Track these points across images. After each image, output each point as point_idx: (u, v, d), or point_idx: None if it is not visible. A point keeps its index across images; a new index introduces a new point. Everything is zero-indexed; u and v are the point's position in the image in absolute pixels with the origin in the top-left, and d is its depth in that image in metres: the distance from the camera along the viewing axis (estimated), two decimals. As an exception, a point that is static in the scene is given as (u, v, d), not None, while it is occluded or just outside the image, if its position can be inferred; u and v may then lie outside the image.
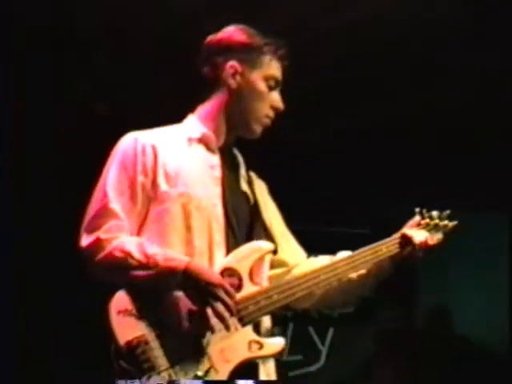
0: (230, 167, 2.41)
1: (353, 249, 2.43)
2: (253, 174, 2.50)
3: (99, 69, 3.98)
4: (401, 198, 4.86)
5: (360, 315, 5.37)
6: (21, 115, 4.19)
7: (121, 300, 2.14)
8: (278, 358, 2.29)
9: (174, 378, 2.10)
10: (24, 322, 4.47)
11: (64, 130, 4.24)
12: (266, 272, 2.38)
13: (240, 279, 2.22)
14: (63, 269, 3.83)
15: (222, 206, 2.30)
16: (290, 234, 2.55)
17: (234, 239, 2.28)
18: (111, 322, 2.12)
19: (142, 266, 2.15)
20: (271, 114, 2.37)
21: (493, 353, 5.15)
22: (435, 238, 2.48)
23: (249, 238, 2.31)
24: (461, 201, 4.79)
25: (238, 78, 2.36)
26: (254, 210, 2.38)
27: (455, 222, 2.54)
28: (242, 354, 2.17)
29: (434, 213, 2.52)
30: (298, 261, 2.50)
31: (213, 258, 2.24)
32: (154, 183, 2.26)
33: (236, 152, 2.48)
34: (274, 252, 2.36)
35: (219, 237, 2.26)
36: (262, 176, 2.51)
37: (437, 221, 2.51)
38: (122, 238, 2.21)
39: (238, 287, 2.20)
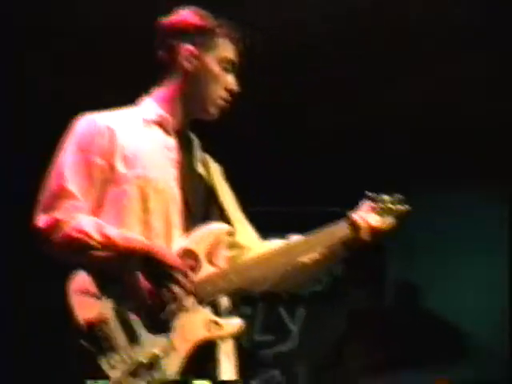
0: (186, 150, 2.42)
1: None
2: (208, 157, 2.51)
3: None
4: (375, 177, 4.92)
5: (331, 294, 5.42)
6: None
7: (81, 280, 2.17)
8: (237, 338, 2.32)
9: (132, 356, 2.12)
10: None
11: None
12: (223, 254, 2.40)
13: (198, 261, 2.24)
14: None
15: (179, 188, 2.32)
16: (245, 217, 2.56)
17: (191, 221, 2.30)
18: (71, 301, 2.14)
19: (100, 246, 2.17)
20: (226, 96, 2.39)
21: (461, 328, 5.22)
22: (387, 222, 2.48)
23: (206, 219, 2.32)
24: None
25: (193, 60, 2.37)
26: (210, 193, 2.40)
27: (407, 207, 2.54)
28: (200, 334, 2.20)
29: (386, 197, 2.51)
30: (252, 243, 2.52)
31: (170, 239, 2.26)
32: (111, 165, 2.28)
33: (192, 135, 2.49)
34: (232, 234, 2.39)
35: (176, 219, 2.28)
36: (223, 158, 2.53)
37: (389, 205, 2.50)
38: (80, 218, 2.22)
39: (196, 268, 2.23)
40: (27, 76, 4.09)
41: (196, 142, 2.49)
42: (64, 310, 2.14)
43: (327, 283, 5.43)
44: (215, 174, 2.49)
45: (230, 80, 2.40)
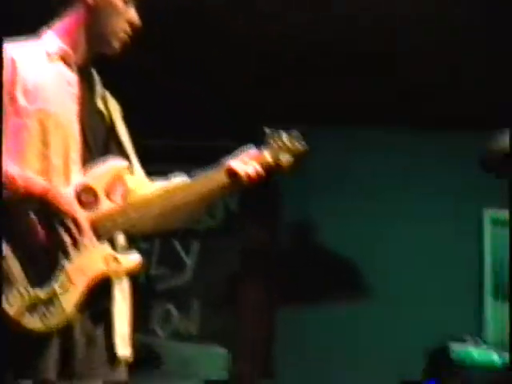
0: (87, 85, 2.40)
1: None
2: (108, 93, 2.49)
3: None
4: (274, 111, 4.96)
5: (225, 230, 5.47)
6: None
7: None
8: (134, 273, 2.34)
9: (31, 292, 2.14)
10: None
11: None
12: (122, 190, 2.39)
13: (96, 196, 2.26)
14: None
15: (79, 123, 2.31)
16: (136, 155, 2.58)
17: (90, 157, 2.30)
18: None
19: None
20: (128, 29, 2.39)
21: (357, 266, 5.36)
22: (284, 159, 2.51)
23: (105, 156, 2.33)
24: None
25: (94, -8, 2.36)
26: (110, 129, 2.40)
27: (304, 145, 2.56)
28: (98, 269, 2.22)
29: (283, 134, 2.53)
30: (140, 184, 2.52)
31: (69, 175, 2.26)
32: (12, 97, 2.24)
33: (93, 71, 2.46)
34: (130, 171, 2.39)
35: (75, 154, 2.27)
36: (117, 94, 2.51)
37: (286, 143, 2.52)
38: None
39: (94, 204, 2.25)
40: None
41: (97, 77, 2.47)
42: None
43: (222, 218, 5.47)
44: (114, 111, 2.47)
45: (132, 13, 2.39)
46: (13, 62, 2.27)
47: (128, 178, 2.42)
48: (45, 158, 2.24)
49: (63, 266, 2.18)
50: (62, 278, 2.17)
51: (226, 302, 5.32)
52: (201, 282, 5.41)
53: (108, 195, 2.29)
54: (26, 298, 2.13)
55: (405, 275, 5.27)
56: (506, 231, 5.18)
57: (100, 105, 2.43)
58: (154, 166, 2.56)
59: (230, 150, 2.49)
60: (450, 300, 5.16)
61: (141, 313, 2.46)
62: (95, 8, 2.36)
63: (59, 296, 2.15)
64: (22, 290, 2.13)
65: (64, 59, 2.35)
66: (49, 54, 2.34)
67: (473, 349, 4.24)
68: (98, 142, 2.34)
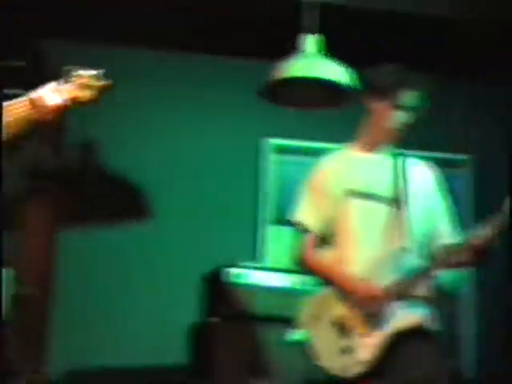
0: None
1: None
2: None
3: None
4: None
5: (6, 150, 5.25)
6: None
7: None
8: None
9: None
10: None
11: None
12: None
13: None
14: None
15: None
16: None
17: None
18: None
19: None
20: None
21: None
22: (87, 94, 2.59)
23: None
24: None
25: None
26: None
27: (109, 81, 2.63)
28: None
29: (83, 72, 2.60)
30: None
31: None
32: None
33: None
34: None
35: None
36: None
37: (88, 80, 2.59)
38: None
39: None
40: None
41: None
42: None
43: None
44: None
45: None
46: None
47: None
48: None
49: None
50: None
51: (10, 224, 5.15)
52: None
53: None
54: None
55: (187, 199, 5.26)
56: (289, 158, 5.37)
57: None
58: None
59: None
60: (230, 225, 5.22)
61: None
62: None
63: None
64: None
65: None
66: None
67: (249, 272, 4.33)
68: None
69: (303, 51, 3.99)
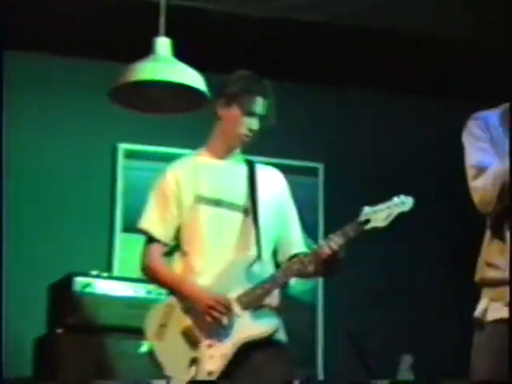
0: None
1: None
2: None
3: None
4: None
5: None
6: None
7: None
8: None
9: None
10: None
11: None
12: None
13: None
14: None
15: None
16: None
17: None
18: None
19: None
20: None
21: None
22: None
23: None
24: None
25: None
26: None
27: None
28: None
29: None
30: None
31: None
32: None
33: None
34: None
35: None
36: None
37: None
38: None
39: None
40: None
41: None
42: None
43: None
44: None
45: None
46: None
47: None
48: None
49: None
50: None
51: None
52: None
53: None
54: None
55: (39, 204, 5.13)
56: (140, 164, 5.32)
57: None
58: None
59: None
60: (82, 232, 5.12)
61: None
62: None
63: None
64: None
65: None
66: None
67: (97, 281, 4.27)
68: None
69: (155, 54, 3.94)
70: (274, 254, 3.25)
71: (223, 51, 4.91)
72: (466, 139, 2.72)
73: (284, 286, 3.14)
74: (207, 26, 4.85)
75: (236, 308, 3.04)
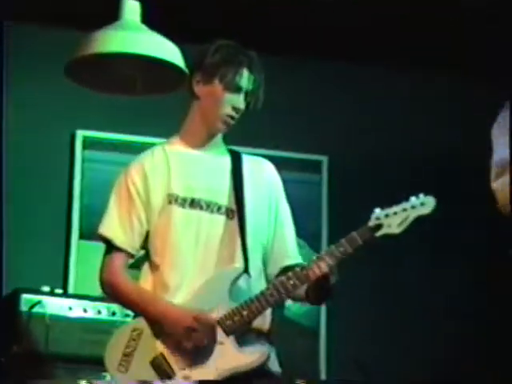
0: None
1: None
2: None
3: None
4: None
5: None
6: None
7: None
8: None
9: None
10: None
11: None
12: None
13: None
14: None
15: None
16: None
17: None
18: None
19: None
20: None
21: None
22: None
23: None
24: None
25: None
26: None
27: None
28: None
29: None
30: None
31: None
32: None
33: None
34: None
35: None
36: None
37: None
38: None
39: None
40: None
41: None
42: None
43: None
44: None
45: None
46: None
47: None
48: None
49: None
50: None
51: None
52: None
53: None
54: None
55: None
56: (102, 155, 5.28)
57: None
58: None
59: None
60: (31, 241, 5.15)
61: None
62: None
63: None
64: None
65: None
66: None
67: (48, 299, 4.27)
68: None
69: (121, 20, 3.91)
70: (264, 265, 3.21)
71: (204, 17, 4.88)
72: (496, 131, 2.74)
73: (277, 306, 3.10)
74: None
75: (218, 332, 2.99)
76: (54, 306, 4.25)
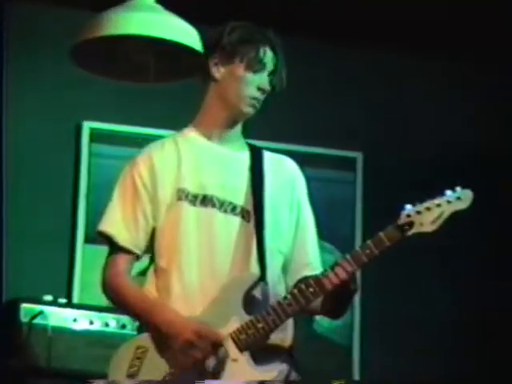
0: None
1: None
2: None
3: None
4: None
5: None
6: None
7: None
8: None
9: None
10: None
11: None
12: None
13: None
14: None
15: None
16: None
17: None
18: None
19: None
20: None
21: None
22: None
23: None
24: None
25: None
26: None
27: None
28: None
29: None
30: None
31: None
32: None
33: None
34: None
35: None
36: None
37: None
38: None
39: None
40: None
41: None
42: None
43: None
44: None
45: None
46: None
47: None
48: None
49: None
50: None
51: None
52: None
53: None
54: None
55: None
56: (107, 149, 5.31)
57: None
58: None
59: None
60: (33, 245, 5.19)
61: None
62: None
63: None
64: None
65: None
66: None
67: (51, 309, 4.32)
68: None
69: (133, 1, 3.93)
70: (284, 272, 3.19)
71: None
72: None
73: (298, 317, 3.06)
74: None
75: (231, 348, 2.96)
76: (57, 316, 4.29)
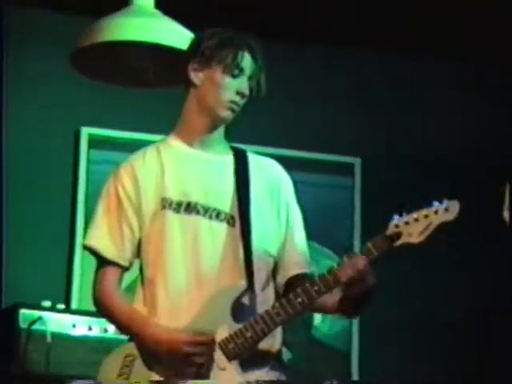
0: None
1: None
2: None
3: None
4: None
5: None
6: None
7: None
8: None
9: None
10: None
11: None
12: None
13: None
14: None
15: None
16: None
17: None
18: None
19: None
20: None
21: None
22: None
23: None
24: None
25: None
26: None
27: None
28: None
29: None
30: None
31: None
32: None
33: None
34: None
35: None
36: None
37: None
38: None
39: None
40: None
41: None
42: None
43: None
44: None
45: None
46: None
47: None
48: None
49: None
50: None
51: None
52: None
53: None
54: None
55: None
56: (106, 155, 5.31)
57: None
58: None
59: None
60: (31, 250, 5.17)
61: None
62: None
63: None
64: None
65: None
66: None
67: (50, 315, 4.32)
68: None
69: (132, 5, 3.94)
70: (273, 275, 3.16)
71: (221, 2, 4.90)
72: None
73: (289, 322, 3.03)
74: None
75: (219, 357, 2.95)
76: (56, 322, 4.29)
